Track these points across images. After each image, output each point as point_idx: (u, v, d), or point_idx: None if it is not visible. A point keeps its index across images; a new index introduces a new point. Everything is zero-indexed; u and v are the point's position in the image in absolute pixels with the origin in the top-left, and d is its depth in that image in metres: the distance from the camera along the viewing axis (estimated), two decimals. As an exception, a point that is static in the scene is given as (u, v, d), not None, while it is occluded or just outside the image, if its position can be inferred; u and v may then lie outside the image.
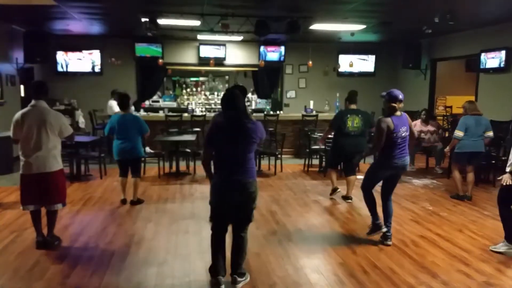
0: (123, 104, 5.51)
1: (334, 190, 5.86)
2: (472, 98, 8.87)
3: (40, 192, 3.93)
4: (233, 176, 3.13)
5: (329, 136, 6.02)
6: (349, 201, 5.72)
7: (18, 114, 3.90)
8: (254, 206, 3.26)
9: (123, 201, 5.53)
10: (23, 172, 3.91)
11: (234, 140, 3.12)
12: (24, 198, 3.97)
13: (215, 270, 3.28)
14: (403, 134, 4.00)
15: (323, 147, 7.06)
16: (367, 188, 4.27)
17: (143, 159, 7.20)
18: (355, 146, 5.51)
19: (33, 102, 3.94)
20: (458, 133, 5.68)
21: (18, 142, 3.92)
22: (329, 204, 5.71)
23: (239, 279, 3.27)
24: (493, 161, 6.66)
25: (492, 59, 8.02)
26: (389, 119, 3.98)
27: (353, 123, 5.46)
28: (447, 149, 6.13)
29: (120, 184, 5.63)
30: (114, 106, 7.73)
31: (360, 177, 4.89)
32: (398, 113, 4.02)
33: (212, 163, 3.25)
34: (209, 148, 3.24)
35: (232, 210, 3.22)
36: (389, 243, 4.16)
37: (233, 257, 3.29)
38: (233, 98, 3.21)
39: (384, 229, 4.18)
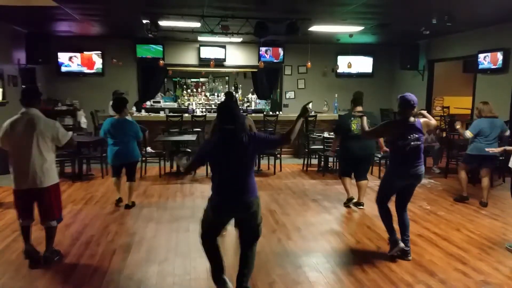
0: (118, 108, 5.31)
1: (349, 200, 5.53)
2: (470, 98, 8.94)
3: (33, 208, 3.65)
4: (233, 195, 2.95)
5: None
6: (361, 207, 5.52)
7: (7, 122, 3.54)
8: (258, 223, 3.06)
9: (119, 200, 5.46)
10: (15, 187, 3.58)
11: (230, 157, 2.92)
12: (19, 213, 3.67)
13: (217, 274, 3.13)
14: (412, 143, 3.68)
15: (334, 154, 6.62)
16: (381, 201, 3.97)
17: (143, 159, 7.27)
18: (363, 148, 5.28)
19: (23, 109, 3.55)
20: (468, 133, 5.54)
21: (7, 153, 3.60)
22: (328, 203, 5.75)
23: None
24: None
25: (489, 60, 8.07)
26: (395, 124, 3.77)
27: (358, 126, 5.23)
28: (457, 124, 5.81)
29: (114, 184, 5.53)
30: None
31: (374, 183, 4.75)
32: (412, 119, 3.74)
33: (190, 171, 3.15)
34: (197, 162, 3.13)
35: (224, 227, 3.18)
36: (409, 258, 3.84)
37: (240, 270, 3.10)
38: (231, 111, 2.97)
39: (402, 245, 3.81)
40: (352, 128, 5.31)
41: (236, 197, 2.96)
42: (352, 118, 5.35)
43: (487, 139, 5.47)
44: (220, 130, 3.01)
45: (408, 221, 3.96)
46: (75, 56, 10.08)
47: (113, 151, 5.26)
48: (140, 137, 5.46)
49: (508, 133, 5.71)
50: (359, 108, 5.40)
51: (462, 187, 5.85)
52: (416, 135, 3.71)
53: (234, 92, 12.12)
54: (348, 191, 5.56)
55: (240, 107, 11.21)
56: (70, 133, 3.78)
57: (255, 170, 7.61)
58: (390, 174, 3.93)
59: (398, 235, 3.90)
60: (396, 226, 3.96)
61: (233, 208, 2.99)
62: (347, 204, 5.58)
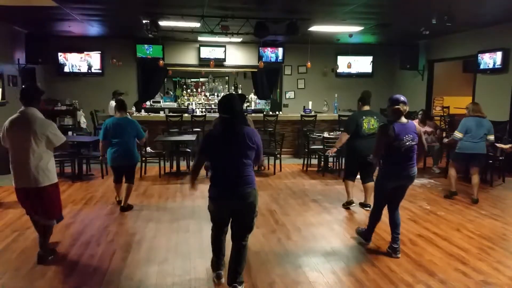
0: (124, 107, 5.33)
1: (349, 203, 5.50)
2: (469, 98, 8.94)
3: (32, 206, 3.68)
4: (230, 185, 3.05)
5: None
6: (368, 208, 5.44)
7: (7, 121, 3.57)
8: (254, 215, 3.16)
9: (120, 202, 5.41)
10: (14, 184, 3.61)
11: (229, 147, 3.03)
12: (25, 210, 3.78)
13: (217, 264, 3.41)
14: (407, 143, 3.73)
15: (334, 153, 6.04)
16: (377, 205, 4.03)
17: (143, 159, 7.27)
18: (371, 148, 5.03)
19: (22, 108, 3.56)
20: (457, 134, 5.71)
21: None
22: (328, 203, 5.75)
23: (239, 287, 3.18)
24: (490, 161, 6.70)
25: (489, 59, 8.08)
26: (390, 126, 3.77)
27: (369, 124, 5.20)
28: (445, 141, 5.96)
29: (114, 188, 5.50)
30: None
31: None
32: (404, 120, 3.78)
33: (199, 170, 3.30)
34: (202, 156, 3.22)
35: (230, 217, 3.20)
36: (398, 256, 3.92)
37: (232, 266, 3.19)
38: (229, 101, 3.12)
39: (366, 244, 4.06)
40: (364, 127, 5.20)
41: (232, 187, 3.05)
42: (364, 117, 5.25)
43: (473, 137, 5.60)
44: (220, 120, 3.17)
45: (399, 220, 4.01)
46: (75, 56, 10.08)
47: (113, 151, 5.19)
48: (143, 135, 5.40)
49: (492, 137, 5.70)
50: (366, 107, 5.37)
51: (451, 183, 5.97)
52: (411, 135, 3.77)
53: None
54: (349, 194, 5.51)
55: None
56: (64, 138, 3.75)
57: (255, 170, 7.72)
58: (384, 175, 3.93)
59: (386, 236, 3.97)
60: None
61: (230, 198, 3.08)
62: (346, 206, 5.54)
